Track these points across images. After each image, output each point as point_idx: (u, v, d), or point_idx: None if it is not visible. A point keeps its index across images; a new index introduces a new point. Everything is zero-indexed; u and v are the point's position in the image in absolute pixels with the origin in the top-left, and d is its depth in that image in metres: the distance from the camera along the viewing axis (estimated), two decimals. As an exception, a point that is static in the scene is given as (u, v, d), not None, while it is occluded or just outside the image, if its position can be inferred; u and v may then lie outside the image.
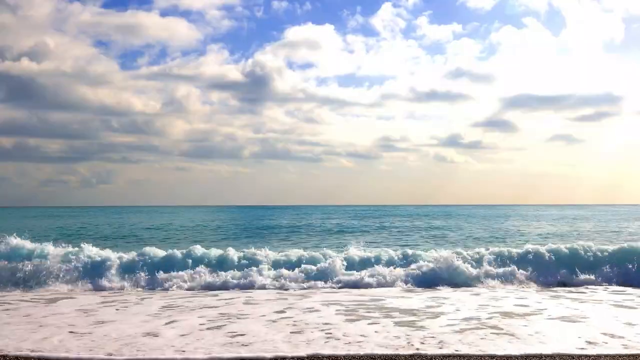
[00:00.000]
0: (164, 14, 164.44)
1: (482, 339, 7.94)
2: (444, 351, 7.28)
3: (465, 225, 41.04)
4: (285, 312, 10.17)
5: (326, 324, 9.03)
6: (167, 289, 13.09)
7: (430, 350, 7.33)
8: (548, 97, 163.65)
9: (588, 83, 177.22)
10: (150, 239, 28.16)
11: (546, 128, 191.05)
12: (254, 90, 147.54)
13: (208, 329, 8.71)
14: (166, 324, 9.12)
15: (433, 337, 8.03)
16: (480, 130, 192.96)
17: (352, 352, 7.24)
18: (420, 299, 11.60)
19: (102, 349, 7.47)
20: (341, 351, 7.32)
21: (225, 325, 8.95)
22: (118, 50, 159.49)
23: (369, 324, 9.10)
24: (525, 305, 10.75)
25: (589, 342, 7.74)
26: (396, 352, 7.22)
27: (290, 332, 8.45)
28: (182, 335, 8.21)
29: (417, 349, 7.38)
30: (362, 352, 7.23)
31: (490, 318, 9.47)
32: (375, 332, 8.48)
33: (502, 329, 8.58)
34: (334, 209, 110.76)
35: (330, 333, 8.34)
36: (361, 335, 8.13)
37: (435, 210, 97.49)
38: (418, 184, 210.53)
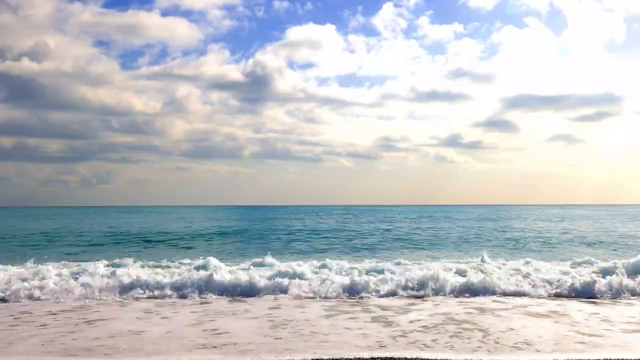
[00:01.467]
0: (165, 13, 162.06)
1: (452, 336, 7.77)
2: (428, 353, 7.03)
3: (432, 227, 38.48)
4: (280, 307, 10.13)
5: (306, 320, 8.93)
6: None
7: (397, 347, 7.13)
8: (549, 97, 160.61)
9: (589, 83, 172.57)
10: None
11: (546, 128, 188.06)
12: (255, 90, 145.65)
13: (192, 325, 8.63)
14: (159, 319, 9.13)
15: (404, 335, 7.87)
16: (480, 130, 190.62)
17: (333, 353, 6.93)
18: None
19: (63, 351, 7.30)
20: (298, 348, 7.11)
21: (209, 322, 8.87)
22: (118, 50, 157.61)
23: (345, 319, 9.01)
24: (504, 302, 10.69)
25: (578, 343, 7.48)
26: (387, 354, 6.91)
27: (268, 328, 8.34)
28: (167, 332, 8.10)
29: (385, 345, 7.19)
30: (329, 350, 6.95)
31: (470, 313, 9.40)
32: (346, 328, 8.33)
33: (476, 324, 8.43)
34: (331, 209, 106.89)
35: (302, 329, 8.23)
36: (335, 334, 7.96)
37: (429, 210, 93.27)
38: (418, 184, 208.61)
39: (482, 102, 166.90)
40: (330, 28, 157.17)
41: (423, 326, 8.44)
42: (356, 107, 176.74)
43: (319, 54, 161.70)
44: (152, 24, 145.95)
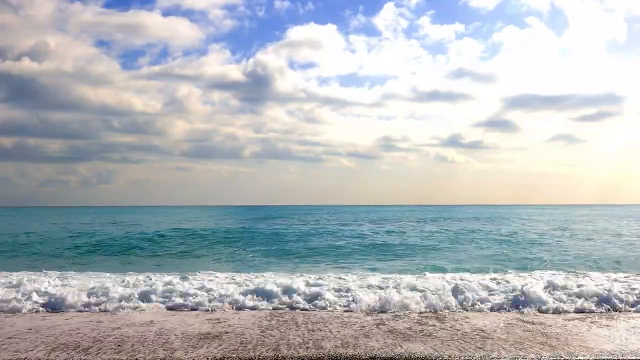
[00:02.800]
0: (166, 13, 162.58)
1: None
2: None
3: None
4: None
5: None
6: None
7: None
8: (550, 97, 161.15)
9: (590, 83, 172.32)
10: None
11: (547, 128, 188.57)
12: (255, 90, 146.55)
13: (197, 315, 9.52)
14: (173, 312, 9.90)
15: (384, 324, 8.80)
16: (481, 130, 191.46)
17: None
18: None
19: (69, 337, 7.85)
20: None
21: (213, 312, 9.81)
22: (119, 50, 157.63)
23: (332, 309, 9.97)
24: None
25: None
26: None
27: (257, 318, 9.17)
28: (178, 323, 8.81)
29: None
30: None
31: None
32: (336, 317, 9.30)
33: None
34: (332, 209, 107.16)
35: (297, 319, 9.08)
36: (322, 322, 8.85)
37: (424, 211, 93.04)
38: (418, 184, 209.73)
39: (483, 102, 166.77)
40: (331, 28, 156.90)
41: (395, 315, 9.45)
42: (357, 107, 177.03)
43: (319, 53, 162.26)
44: (153, 23, 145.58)
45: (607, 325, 8.69)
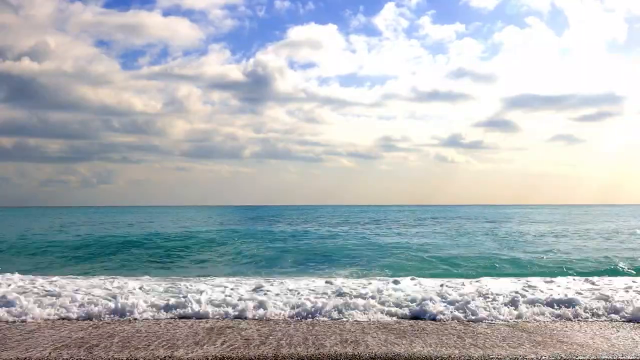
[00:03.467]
0: (166, 13, 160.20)
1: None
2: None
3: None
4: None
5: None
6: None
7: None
8: (550, 97, 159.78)
9: (590, 83, 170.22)
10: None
11: (547, 128, 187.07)
12: (255, 90, 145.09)
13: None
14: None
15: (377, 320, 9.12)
16: (481, 130, 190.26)
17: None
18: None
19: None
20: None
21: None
22: (119, 50, 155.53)
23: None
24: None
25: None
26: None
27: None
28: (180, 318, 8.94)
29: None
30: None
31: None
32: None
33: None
34: (332, 209, 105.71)
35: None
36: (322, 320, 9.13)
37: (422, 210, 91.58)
38: (418, 184, 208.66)
39: (483, 102, 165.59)
40: (331, 28, 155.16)
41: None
42: (357, 107, 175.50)
43: (320, 53, 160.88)
44: (153, 23, 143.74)
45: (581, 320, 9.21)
